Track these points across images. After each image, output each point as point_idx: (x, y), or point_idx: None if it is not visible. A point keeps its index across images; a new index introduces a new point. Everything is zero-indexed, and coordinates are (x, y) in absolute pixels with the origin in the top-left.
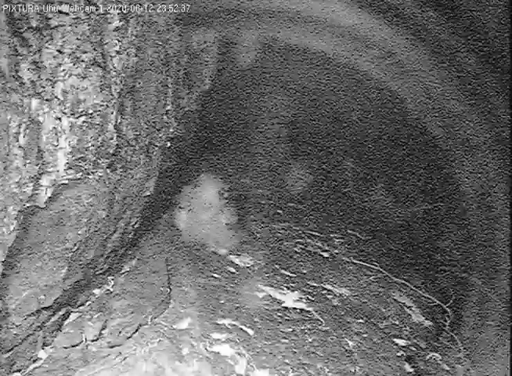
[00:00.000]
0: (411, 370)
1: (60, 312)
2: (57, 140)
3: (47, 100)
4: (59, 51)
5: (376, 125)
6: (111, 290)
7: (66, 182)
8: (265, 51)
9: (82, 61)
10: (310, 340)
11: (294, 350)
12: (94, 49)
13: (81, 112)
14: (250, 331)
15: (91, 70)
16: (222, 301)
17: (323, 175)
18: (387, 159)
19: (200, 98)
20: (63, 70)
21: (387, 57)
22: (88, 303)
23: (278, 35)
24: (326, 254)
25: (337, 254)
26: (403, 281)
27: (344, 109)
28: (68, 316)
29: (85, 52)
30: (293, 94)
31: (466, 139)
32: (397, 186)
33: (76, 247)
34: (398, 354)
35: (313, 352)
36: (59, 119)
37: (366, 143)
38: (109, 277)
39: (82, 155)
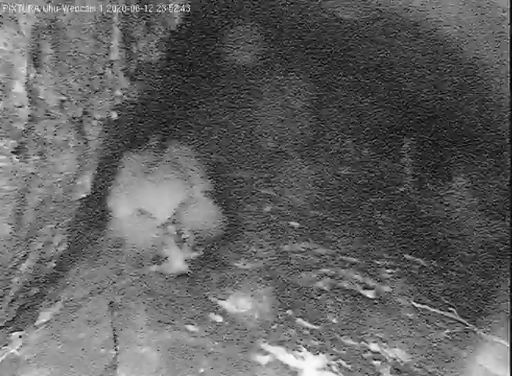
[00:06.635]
0: None
1: None
2: None
3: None
4: None
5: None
6: (17, 355)
7: None
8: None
9: None
10: None
11: None
12: None
13: None
14: None
15: None
16: (202, 371)
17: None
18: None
19: (165, 43)
20: None
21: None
22: None
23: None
24: (369, 294)
25: (387, 293)
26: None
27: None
28: None
29: None
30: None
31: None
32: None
33: None
34: None
35: None
36: None
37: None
38: (13, 334)
39: None
